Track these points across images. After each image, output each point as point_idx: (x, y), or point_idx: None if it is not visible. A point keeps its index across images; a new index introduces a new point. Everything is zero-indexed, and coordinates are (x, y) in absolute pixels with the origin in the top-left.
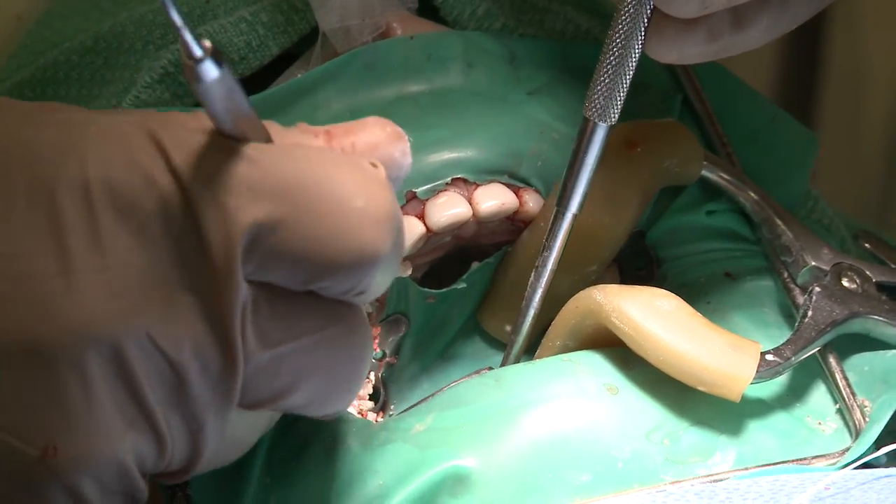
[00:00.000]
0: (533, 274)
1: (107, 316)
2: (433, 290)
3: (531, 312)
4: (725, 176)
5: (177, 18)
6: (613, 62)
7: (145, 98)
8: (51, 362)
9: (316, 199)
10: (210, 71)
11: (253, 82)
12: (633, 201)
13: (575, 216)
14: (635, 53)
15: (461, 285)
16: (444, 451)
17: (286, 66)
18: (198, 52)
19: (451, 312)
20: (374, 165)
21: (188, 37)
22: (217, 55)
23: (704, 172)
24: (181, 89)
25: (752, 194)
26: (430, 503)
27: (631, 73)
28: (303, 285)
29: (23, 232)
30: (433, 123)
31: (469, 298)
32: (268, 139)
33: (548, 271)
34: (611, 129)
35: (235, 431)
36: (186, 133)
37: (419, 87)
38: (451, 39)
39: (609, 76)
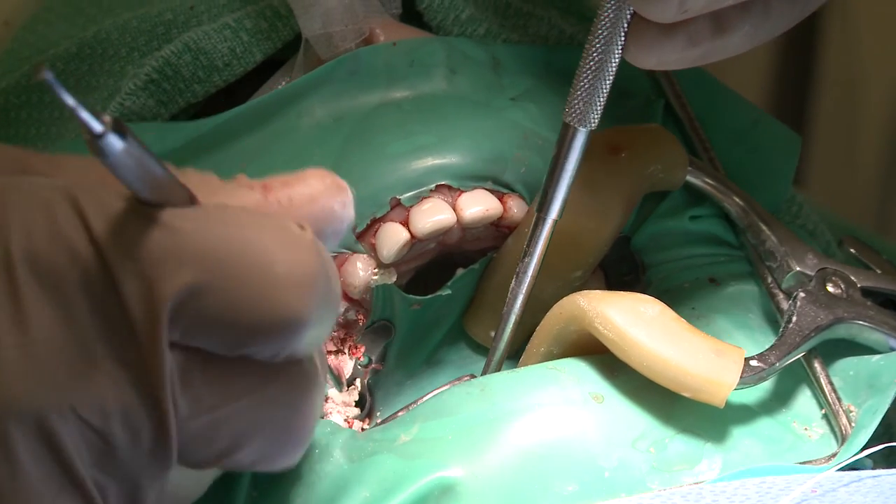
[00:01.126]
0: (514, 280)
1: (29, 391)
2: (418, 297)
3: (513, 318)
4: (709, 181)
5: (68, 99)
6: (593, 67)
7: (129, 105)
8: None
9: (237, 264)
10: (114, 144)
11: (237, 89)
12: (618, 207)
13: (555, 222)
14: (615, 59)
15: (446, 292)
16: (429, 461)
17: (270, 73)
18: (98, 127)
19: (437, 319)
20: (302, 227)
21: (85, 115)
22: (119, 126)
23: (688, 178)
24: (165, 96)
25: (737, 199)
26: None
27: (611, 78)
28: (230, 350)
29: None
30: (417, 130)
31: (454, 305)
32: (190, 200)
33: (529, 277)
34: (592, 133)
35: (180, 486)
36: (109, 200)
37: (402, 94)
38: (434, 45)
39: (589, 81)
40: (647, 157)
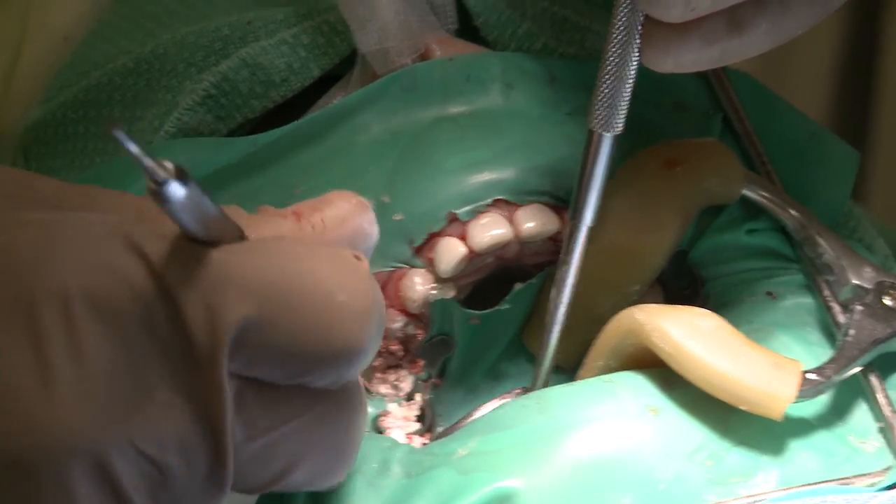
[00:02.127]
0: (553, 289)
1: (87, 427)
2: (477, 312)
3: (556, 328)
4: (766, 195)
5: (133, 148)
6: (612, 72)
7: (187, 120)
8: (32, 475)
9: (298, 295)
10: (176, 191)
11: (294, 104)
12: (674, 221)
13: (590, 228)
14: (633, 62)
15: (504, 307)
16: (487, 474)
17: (327, 89)
18: (161, 175)
19: (496, 333)
20: (358, 258)
21: (149, 163)
22: (181, 174)
23: (745, 191)
24: (223, 112)
25: (794, 213)
26: None
27: (631, 81)
28: (288, 380)
29: (2, 345)
30: (474, 145)
31: (513, 319)
32: (241, 237)
33: (568, 287)
34: (616, 138)
35: None
36: (163, 235)
37: (459, 109)
38: (491, 60)
39: (609, 86)
40: (703, 171)
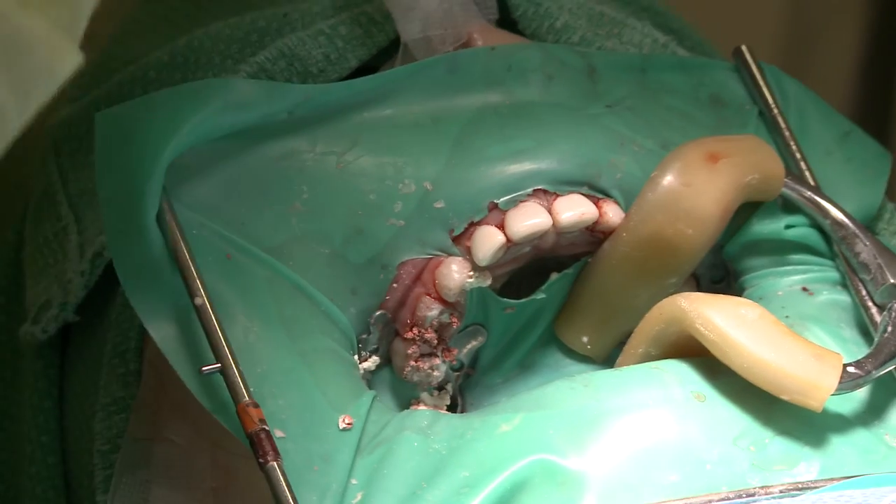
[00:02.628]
0: None
1: None
2: (512, 301)
3: None
4: (805, 192)
5: None
6: None
7: None
8: None
9: None
10: None
11: None
12: (715, 214)
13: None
14: None
15: (540, 296)
16: (532, 446)
17: None
18: None
19: (530, 323)
20: None
21: None
22: None
23: (784, 189)
24: None
25: (832, 211)
26: (515, 494)
27: None
28: None
29: None
30: (514, 135)
31: (548, 309)
32: None
33: None
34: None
35: None
36: None
37: (500, 98)
38: (532, 51)
39: None
40: (745, 166)
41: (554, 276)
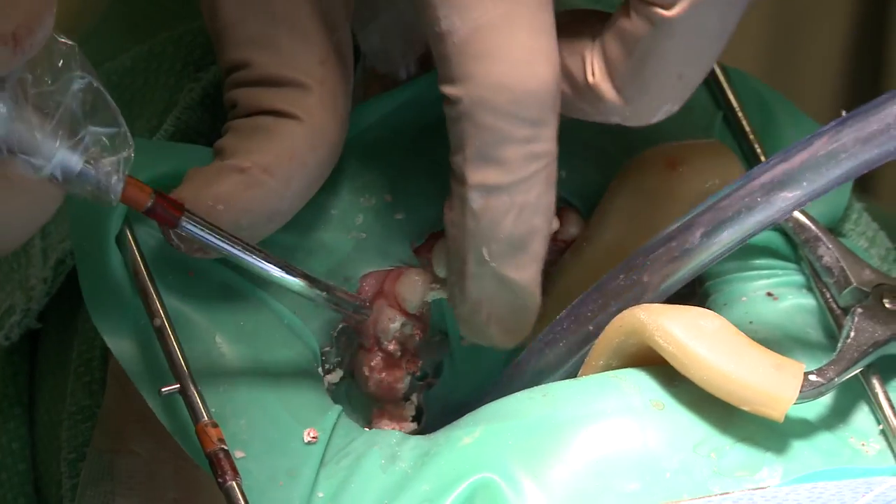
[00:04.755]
0: None
1: None
2: None
3: None
4: None
5: None
6: None
7: (186, 119)
8: None
9: None
10: None
11: None
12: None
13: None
14: None
15: None
16: (492, 459)
17: None
18: None
19: None
20: None
21: None
22: None
23: None
24: (221, 112)
25: (794, 214)
26: None
27: None
28: None
29: None
30: None
31: None
32: None
33: None
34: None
35: None
36: None
37: None
38: None
39: None
40: (704, 172)
41: None
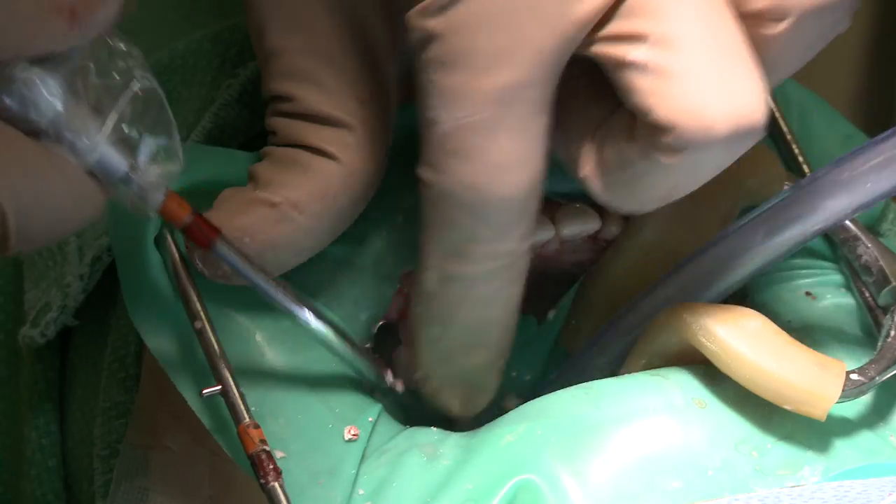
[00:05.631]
0: None
1: None
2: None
3: None
4: None
5: None
6: None
7: (224, 116)
8: None
9: None
10: None
11: None
12: (716, 220)
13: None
14: None
15: (553, 315)
16: (535, 458)
17: None
18: None
19: (535, 335)
20: None
21: None
22: None
23: None
24: (259, 108)
25: None
26: None
27: None
28: None
29: None
30: None
31: (549, 336)
32: None
33: None
34: None
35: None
36: None
37: None
38: None
39: None
40: (744, 171)
41: (552, 314)
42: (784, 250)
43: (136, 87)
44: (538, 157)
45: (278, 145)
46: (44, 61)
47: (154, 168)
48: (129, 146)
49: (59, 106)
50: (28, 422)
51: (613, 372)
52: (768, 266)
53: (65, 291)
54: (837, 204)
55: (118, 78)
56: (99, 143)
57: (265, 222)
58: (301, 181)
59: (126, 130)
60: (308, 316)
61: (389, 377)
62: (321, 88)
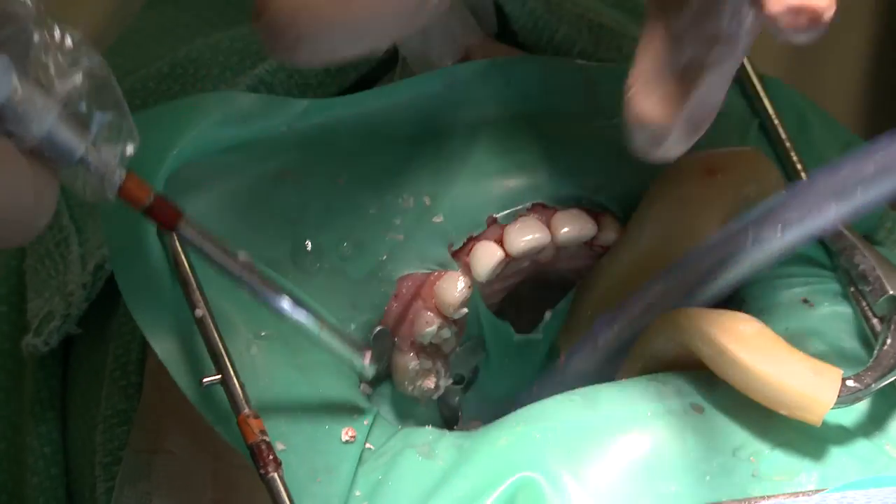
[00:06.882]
0: None
1: None
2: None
3: None
4: None
5: None
6: None
7: None
8: None
9: None
10: None
11: None
12: (713, 228)
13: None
14: None
15: (538, 336)
16: (531, 460)
17: None
18: None
19: (531, 338)
20: None
21: None
22: None
23: None
24: None
25: None
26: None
27: None
28: None
29: None
30: (513, 148)
31: (550, 328)
32: None
33: None
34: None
35: None
36: None
37: (499, 112)
38: (531, 65)
39: None
40: (742, 179)
41: (548, 314)
42: (774, 256)
43: (84, 63)
44: None
45: None
46: None
47: (110, 148)
48: (81, 124)
49: (10, 85)
50: (30, 430)
51: (602, 378)
52: (757, 271)
53: (68, 300)
54: (827, 210)
55: (65, 57)
56: (51, 121)
57: None
58: None
59: (77, 108)
60: (279, 299)
61: (367, 359)
62: None
